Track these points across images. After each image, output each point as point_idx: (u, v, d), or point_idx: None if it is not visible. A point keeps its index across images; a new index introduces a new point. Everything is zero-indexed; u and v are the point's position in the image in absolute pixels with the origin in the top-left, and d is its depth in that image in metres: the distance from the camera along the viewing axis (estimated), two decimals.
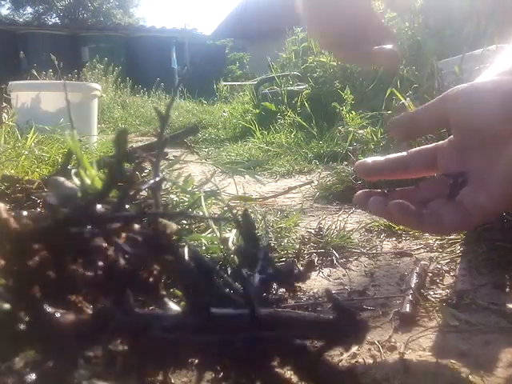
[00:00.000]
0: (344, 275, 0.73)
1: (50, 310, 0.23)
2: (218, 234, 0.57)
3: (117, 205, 0.27)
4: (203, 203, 0.67)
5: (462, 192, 0.50)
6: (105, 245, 0.25)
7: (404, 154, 0.57)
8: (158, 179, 0.29)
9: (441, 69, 1.62)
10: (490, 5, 2.04)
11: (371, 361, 0.48)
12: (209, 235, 0.63)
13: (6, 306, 0.23)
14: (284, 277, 0.32)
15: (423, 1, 2.57)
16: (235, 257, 0.49)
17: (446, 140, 0.56)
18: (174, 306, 0.25)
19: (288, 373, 0.41)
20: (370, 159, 0.57)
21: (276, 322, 0.24)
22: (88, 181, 0.42)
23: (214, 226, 0.57)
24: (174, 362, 0.23)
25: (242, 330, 0.23)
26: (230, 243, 0.56)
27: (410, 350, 0.50)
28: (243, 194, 1.29)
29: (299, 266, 0.75)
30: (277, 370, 0.25)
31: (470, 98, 0.51)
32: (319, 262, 0.78)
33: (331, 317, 0.25)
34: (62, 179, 0.47)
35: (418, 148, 0.58)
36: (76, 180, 0.44)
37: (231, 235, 0.59)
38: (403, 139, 0.67)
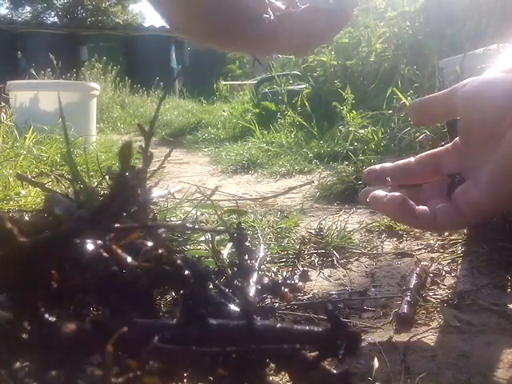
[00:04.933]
0: (345, 276, 0.72)
1: (51, 319, 0.23)
2: (211, 246, 0.58)
3: (116, 215, 0.27)
4: (197, 214, 0.67)
5: (456, 190, 0.51)
6: (105, 255, 0.25)
7: (411, 159, 0.58)
8: (145, 196, 0.30)
9: (442, 68, 1.62)
10: (491, 3, 2.04)
11: (372, 362, 0.47)
12: (203, 245, 0.63)
13: (8, 314, 0.23)
14: (279, 287, 0.32)
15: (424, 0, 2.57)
16: (229, 269, 0.49)
17: (451, 144, 0.57)
18: (165, 320, 0.25)
19: (282, 380, 0.41)
20: (377, 166, 0.59)
21: (271, 334, 0.24)
22: (84, 196, 0.41)
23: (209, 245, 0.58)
24: (172, 373, 0.23)
25: (238, 342, 0.23)
26: (225, 255, 0.57)
27: (410, 351, 0.49)
28: (243, 193, 1.29)
29: (299, 266, 0.74)
30: (271, 377, 0.25)
31: (478, 89, 0.51)
32: (320, 262, 0.78)
33: (324, 329, 0.25)
34: (59, 196, 0.47)
35: (423, 153, 0.59)
36: (71, 196, 0.44)
37: (226, 250, 0.60)
38: (417, 124, 0.69)
